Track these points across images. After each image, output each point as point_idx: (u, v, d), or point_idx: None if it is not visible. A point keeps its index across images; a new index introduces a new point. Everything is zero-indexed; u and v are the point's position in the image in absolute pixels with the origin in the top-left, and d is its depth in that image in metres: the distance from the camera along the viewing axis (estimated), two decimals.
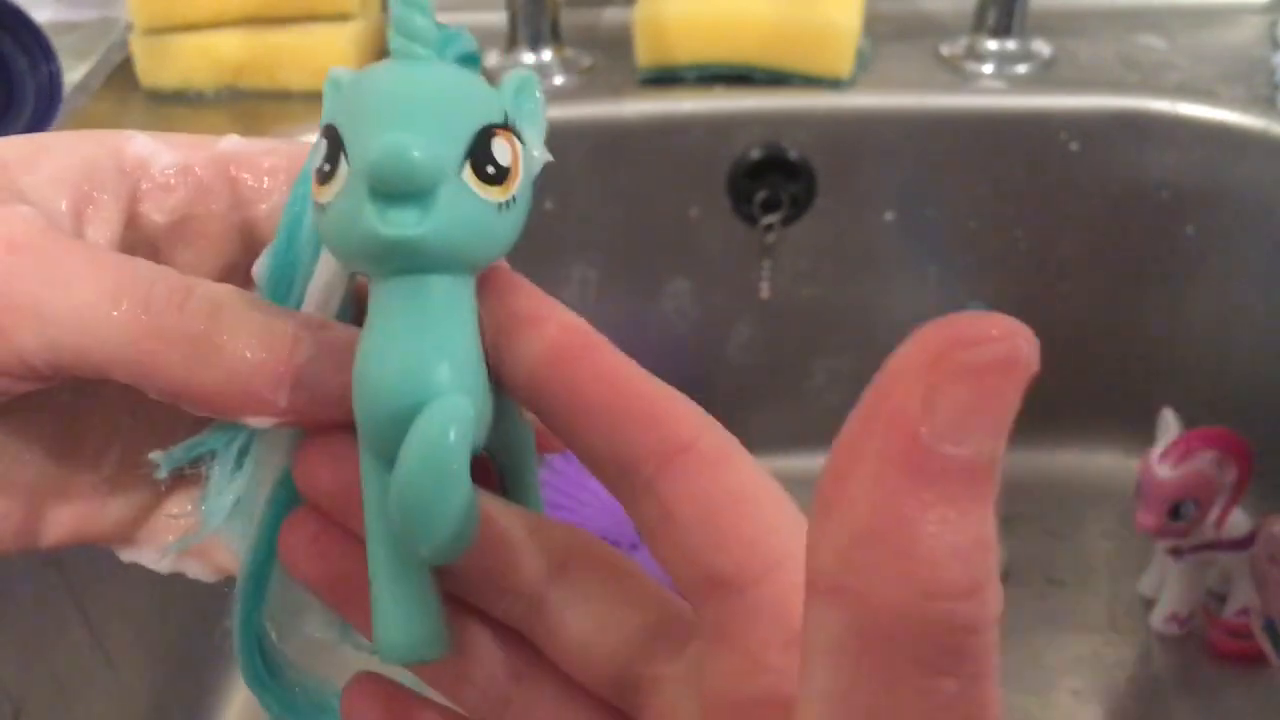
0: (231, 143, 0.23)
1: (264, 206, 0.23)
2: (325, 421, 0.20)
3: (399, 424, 0.18)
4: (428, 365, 0.19)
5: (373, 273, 0.19)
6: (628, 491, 0.19)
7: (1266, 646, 0.58)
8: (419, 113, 0.18)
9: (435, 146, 0.18)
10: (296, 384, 0.20)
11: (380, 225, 0.18)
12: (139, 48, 0.66)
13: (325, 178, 0.18)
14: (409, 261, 0.18)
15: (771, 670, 0.17)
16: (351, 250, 0.19)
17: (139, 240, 0.22)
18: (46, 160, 0.21)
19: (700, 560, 0.18)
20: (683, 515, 0.18)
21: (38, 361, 0.19)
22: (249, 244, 0.23)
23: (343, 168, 0.18)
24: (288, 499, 0.22)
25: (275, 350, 0.20)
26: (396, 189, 0.18)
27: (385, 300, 0.19)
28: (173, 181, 0.23)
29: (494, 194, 0.19)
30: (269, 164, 0.23)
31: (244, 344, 0.20)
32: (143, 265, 0.20)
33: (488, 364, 0.20)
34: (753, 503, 0.18)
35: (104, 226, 0.22)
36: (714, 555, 0.18)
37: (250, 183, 0.23)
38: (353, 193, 0.18)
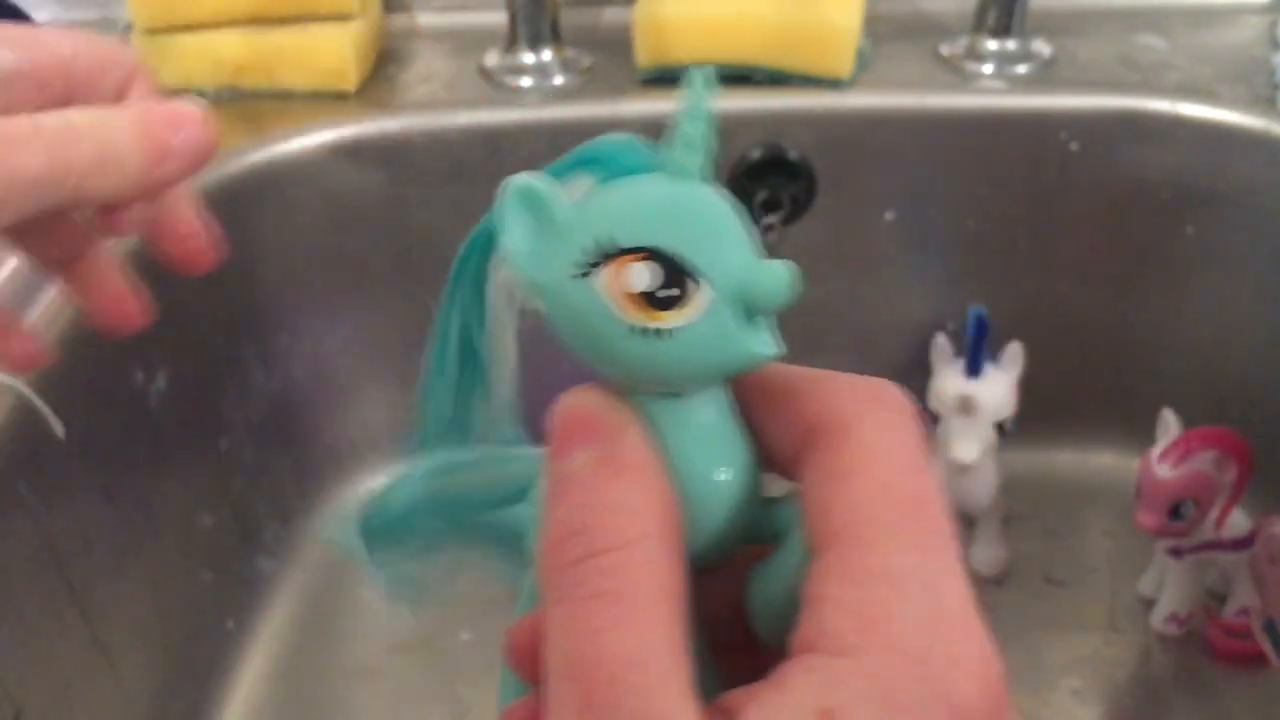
0: (69, 43, 0.31)
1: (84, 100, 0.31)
2: (195, 170, 0.30)
3: (728, 541, 0.20)
4: (756, 477, 0.21)
5: (698, 387, 0.20)
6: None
7: (1266, 646, 0.58)
8: (753, 240, 0.19)
9: None
10: (170, 156, 0.30)
11: (759, 346, 0.19)
12: (139, 48, 0.66)
13: (662, 303, 0.19)
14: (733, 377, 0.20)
15: None
16: (713, 371, 0.19)
17: None
18: None
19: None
20: None
21: None
22: None
23: (701, 292, 0.19)
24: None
25: (150, 143, 0.30)
26: (779, 308, 0.19)
27: (707, 412, 0.20)
28: (28, 88, 0.30)
29: None
30: (92, 70, 0.31)
31: (128, 150, 0.29)
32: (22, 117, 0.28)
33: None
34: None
35: None
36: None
37: (79, 83, 0.31)
38: (718, 316, 0.19)
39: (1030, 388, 0.64)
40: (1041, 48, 0.69)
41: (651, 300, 0.19)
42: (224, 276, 0.63)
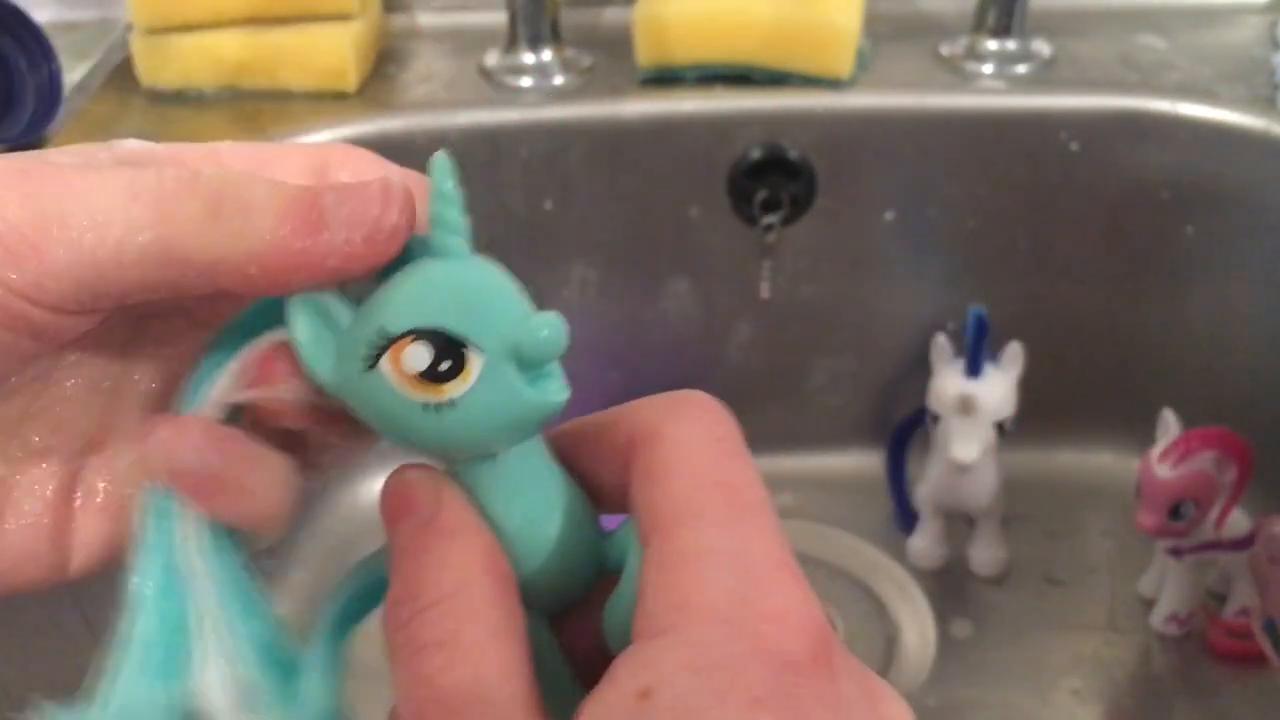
0: (220, 143, 0.23)
1: None
2: (371, 258, 0.21)
3: (573, 582, 0.22)
4: (595, 528, 0.22)
5: (504, 445, 0.21)
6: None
7: (1266, 646, 0.58)
8: (521, 297, 0.21)
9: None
10: (326, 225, 0.20)
11: (541, 395, 0.20)
12: (139, 48, 0.66)
13: (443, 376, 0.20)
14: (539, 428, 0.21)
15: None
16: (505, 429, 0.20)
17: None
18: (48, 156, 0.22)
19: None
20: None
21: (70, 281, 0.20)
22: None
23: (473, 359, 0.20)
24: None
25: (293, 198, 0.20)
26: (554, 359, 0.20)
27: (521, 467, 0.21)
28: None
29: None
30: (255, 158, 0.23)
31: (260, 199, 0.20)
32: (144, 167, 0.21)
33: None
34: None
35: None
36: None
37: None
38: (496, 376, 0.20)
39: (1030, 388, 0.64)
40: (1041, 48, 0.68)
41: (432, 376, 0.20)
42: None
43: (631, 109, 0.65)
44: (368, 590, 0.23)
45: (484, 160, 0.64)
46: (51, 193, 0.20)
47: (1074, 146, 0.65)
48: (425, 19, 0.75)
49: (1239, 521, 0.59)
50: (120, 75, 0.69)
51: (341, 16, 0.66)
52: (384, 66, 0.70)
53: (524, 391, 0.20)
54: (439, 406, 0.20)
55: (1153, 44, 0.71)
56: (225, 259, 0.20)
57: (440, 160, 0.21)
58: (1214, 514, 0.58)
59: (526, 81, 0.67)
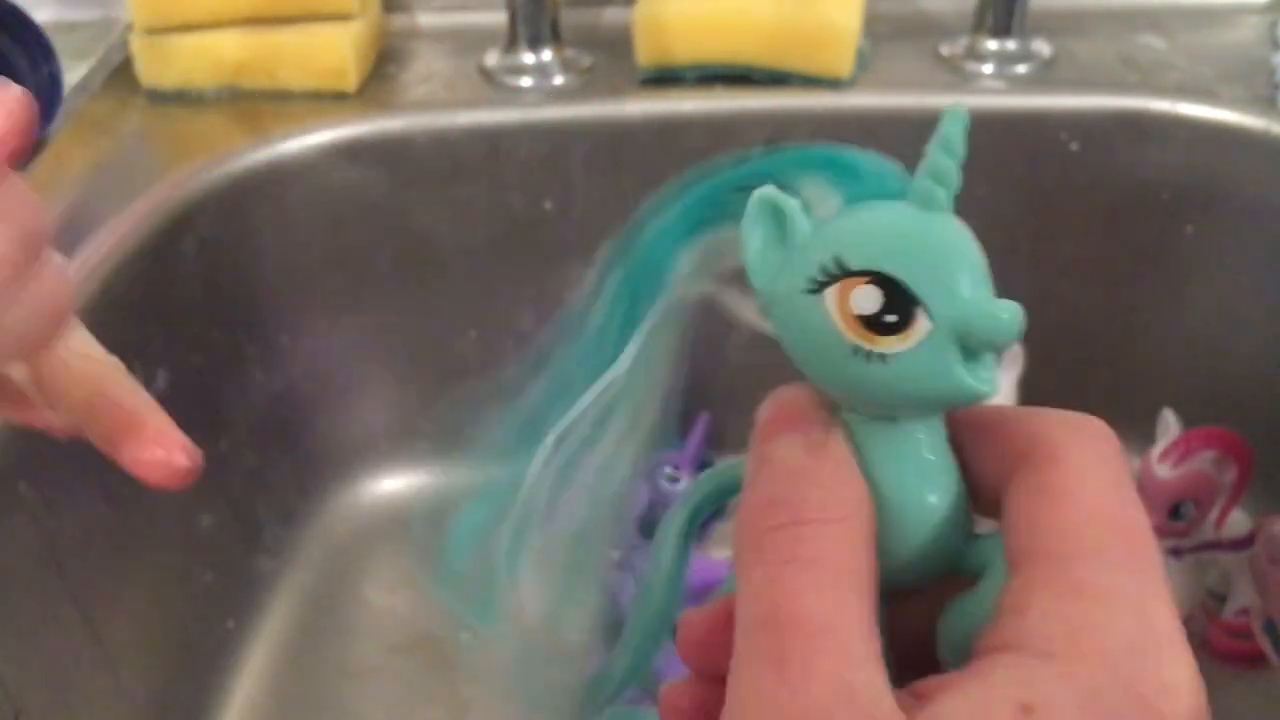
0: None
1: None
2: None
3: (923, 571, 0.21)
4: (965, 520, 0.21)
5: (911, 414, 0.20)
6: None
7: (1266, 646, 0.58)
8: (987, 276, 0.20)
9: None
10: None
11: (974, 381, 0.19)
12: (139, 48, 0.66)
13: (885, 328, 0.19)
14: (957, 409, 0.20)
15: None
16: (926, 400, 0.20)
17: None
18: None
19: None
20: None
21: None
22: None
23: (921, 322, 0.19)
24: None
25: None
26: (999, 348, 0.19)
27: (919, 438, 0.20)
28: None
29: None
30: None
31: None
32: None
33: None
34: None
35: None
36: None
37: None
38: (937, 347, 0.19)
39: (1030, 388, 0.63)
40: (1041, 48, 0.68)
41: (873, 324, 0.19)
42: (224, 276, 0.64)
43: (631, 109, 0.65)
44: (711, 494, 0.23)
45: (484, 160, 0.64)
46: None
47: (1074, 146, 0.65)
48: (425, 19, 0.75)
49: (1239, 521, 0.59)
50: (120, 75, 0.69)
51: (341, 16, 0.66)
52: (384, 66, 0.70)
53: (958, 371, 0.19)
54: (870, 355, 0.19)
55: (1153, 44, 0.71)
56: None
57: (958, 112, 0.20)
58: (1214, 514, 0.58)
59: (526, 81, 0.67)
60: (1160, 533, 0.58)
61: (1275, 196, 0.63)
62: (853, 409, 0.21)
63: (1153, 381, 0.69)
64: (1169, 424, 0.58)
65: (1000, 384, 0.20)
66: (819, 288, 0.19)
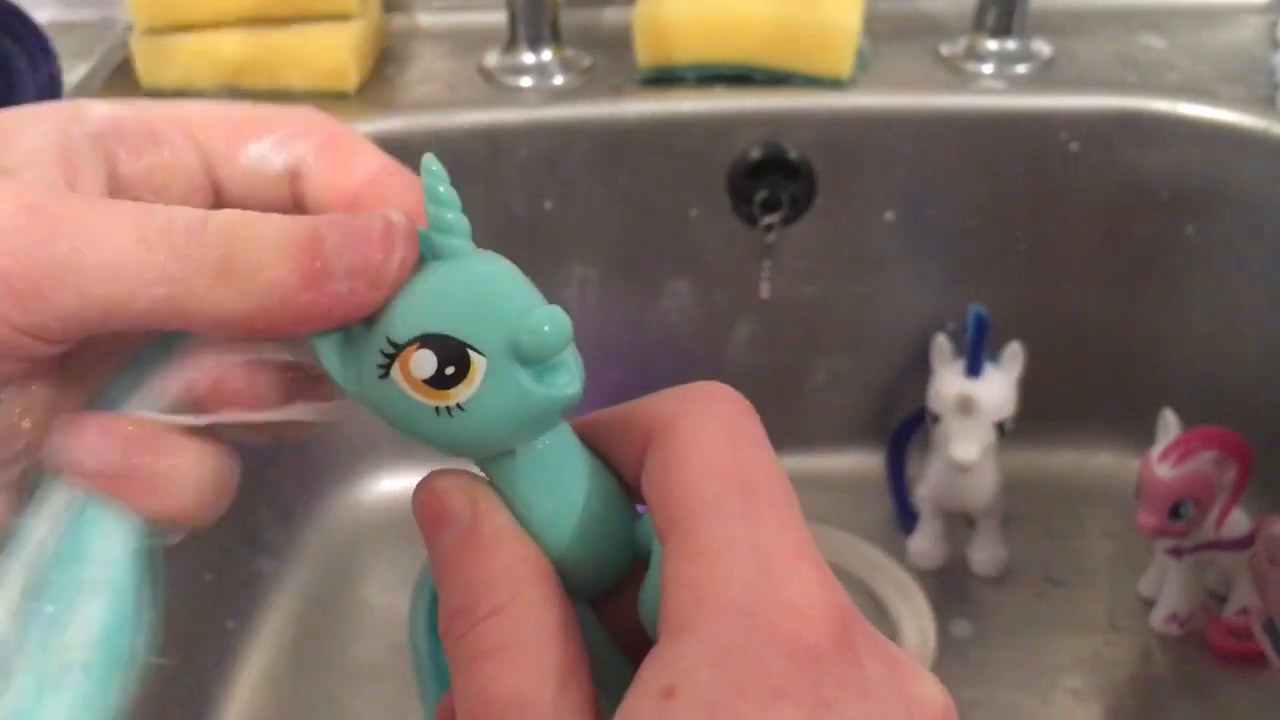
0: (189, 106, 0.24)
1: (227, 169, 0.24)
2: (375, 302, 0.21)
3: (609, 568, 0.22)
4: (627, 512, 0.22)
5: (522, 440, 0.21)
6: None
7: (1266, 646, 0.58)
8: (526, 292, 0.21)
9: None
10: (330, 276, 0.20)
11: (550, 390, 0.20)
12: (139, 48, 0.66)
13: (449, 381, 0.20)
14: (556, 419, 0.21)
15: None
16: (516, 425, 0.21)
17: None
18: (21, 137, 0.22)
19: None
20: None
21: (75, 322, 0.20)
22: (217, 201, 0.24)
23: (476, 361, 0.20)
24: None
25: (299, 249, 0.20)
26: (555, 354, 0.20)
27: (552, 454, 0.21)
28: (140, 143, 0.23)
29: None
30: (226, 126, 0.24)
31: (267, 255, 0.20)
32: (158, 208, 0.20)
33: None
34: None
35: (94, 190, 0.22)
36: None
37: (211, 144, 0.24)
38: (500, 377, 0.20)
39: (1030, 388, 0.64)
40: (1041, 48, 0.68)
41: (439, 382, 0.20)
42: None
43: (631, 109, 0.65)
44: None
45: (484, 160, 0.64)
46: (64, 236, 0.20)
47: (1074, 146, 0.65)
48: (425, 19, 0.75)
49: (1239, 521, 0.59)
50: (120, 75, 0.69)
51: (341, 16, 0.66)
52: (384, 66, 0.70)
53: (531, 388, 0.20)
54: (450, 410, 0.20)
55: (1153, 44, 0.71)
56: (232, 317, 0.20)
57: (430, 164, 0.21)
58: (1214, 514, 0.58)
59: (526, 81, 0.67)
60: (1160, 533, 0.58)
61: (1275, 196, 0.63)
62: (479, 458, 0.22)
63: (1153, 381, 0.69)
64: (1169, 424, 0.58)
65: (577, 383, 0.21)
66: (386, 371, 0.20)
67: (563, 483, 0.22)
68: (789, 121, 0.65)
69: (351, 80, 0.66)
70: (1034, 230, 0.67)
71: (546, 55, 0.68)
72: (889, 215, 0.67)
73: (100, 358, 0.23)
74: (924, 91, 0.66)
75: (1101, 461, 0.72)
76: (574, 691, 0.19)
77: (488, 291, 0.21)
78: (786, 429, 0.72)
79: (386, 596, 0.66)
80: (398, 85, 0.68)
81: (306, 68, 0.66)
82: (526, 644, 0.20)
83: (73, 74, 0.68)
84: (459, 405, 0.20)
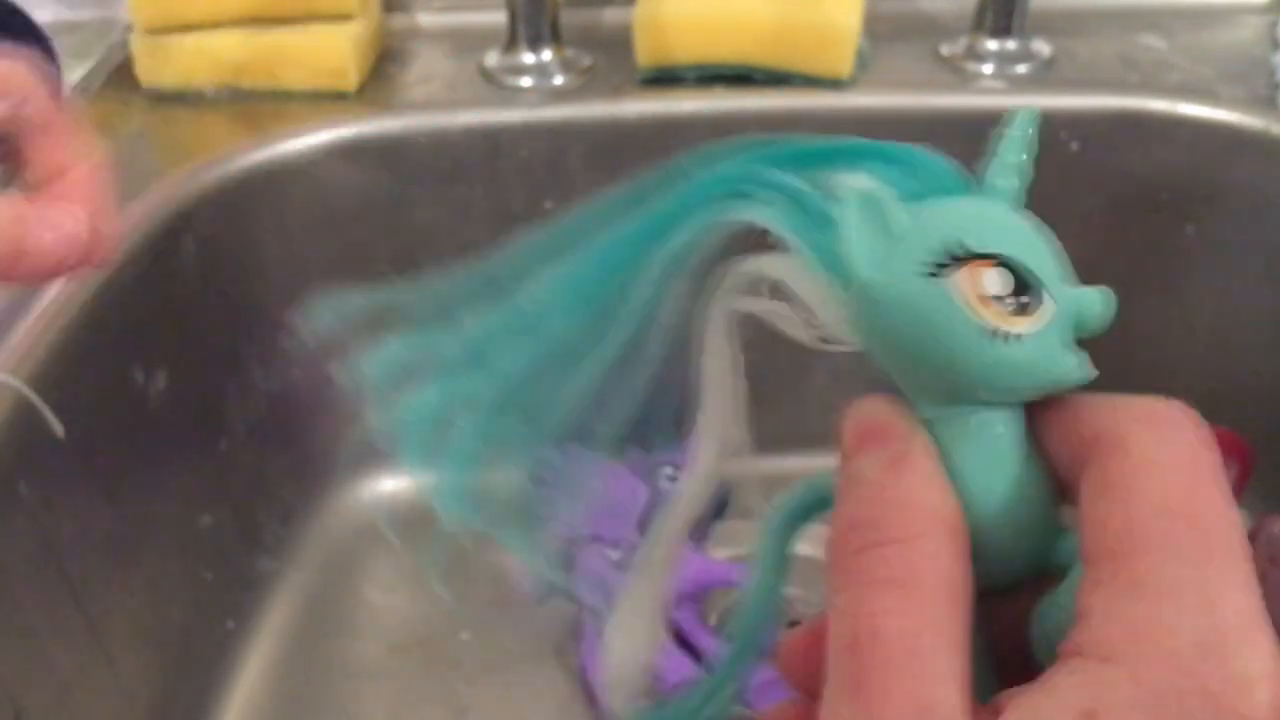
0: None
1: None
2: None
3: (1016, 569, 0.21)
4: (1055, 521, 0.21)
5: (1021, 398, 0.20)
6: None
7: None
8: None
9: None
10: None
11: (1083, 365, 0.20)
12: (139, 48, 0.66)
13: (1020, 309, 0.19)
14: (1052, 392, 0.21)
15: None
16: (1040, 380, 0.20)
17: None
18: None
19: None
20: None
21: None
22: None
23: (1048, 303, 0.20)
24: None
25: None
26: (1100, 332, 0.20)
27: (1003, 433, 0.21)
28: None
29: None
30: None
31: None
32: None
33: None
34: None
35: None
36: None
37: None
38: (1060, 329, 0.20)
39: None
40: (1041, 48, 0.68)
41: (1004, 304, 0.19)
42: (224, 276, 0.64)
43: (631, 109, 0.65)
44: (808, 505, 0.23)
45: (484, 160, 0.64)
46: None
47: (1074, 146, 0.65)
48: (425, 19, 0.75)
49: None
50: (120, 75, 0.69)
51: (341, 16, 0.66)
52: (384, 66, 0.70)
53: (1073, 353, 0.20)
54: (1004, 336, 0.19)
55: (1153, 44, 0.71)
56: None
57: (1028, 113, 0.21)
58: None
59: (526, 81, 0.67)
60: None
61: (1275, 196, 0.63)
62: (956, 401, 0.20)
63: (1153, 381, 0.69)
64: None
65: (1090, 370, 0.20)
66: (939, 272, 0.19)
67: (1005, 463, 0.20)
68: (789, 121, 0.65)
69: (351, 80, 0.66)
70: None
71: (546, 55, 0.68)
72: None
73: None
74: (924, 91, 0.66)
75: None
76: (961, 659, 0.18)
77: (1054, 250, 0.20)
78: (786, 429, 0.72)
79: (386, 596, 0.66)
80: (398, 85, 0.68)
81: (307, 68, 0.66)
82: (931, 590, 0.18)
83: (73, 74, 0.68)
84: (1017, 335, 0.19)
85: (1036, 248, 0.20)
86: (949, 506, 0.20)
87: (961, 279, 0.19)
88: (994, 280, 0.19)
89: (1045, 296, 0.19)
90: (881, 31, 0.71)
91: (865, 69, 0.67)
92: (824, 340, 0.22)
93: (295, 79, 0.66)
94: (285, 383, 0.67)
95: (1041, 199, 0.74)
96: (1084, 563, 0.19)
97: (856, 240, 0.20)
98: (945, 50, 0.69)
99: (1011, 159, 0.21)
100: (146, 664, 0.55)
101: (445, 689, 0.61)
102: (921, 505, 0.19)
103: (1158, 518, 0.18)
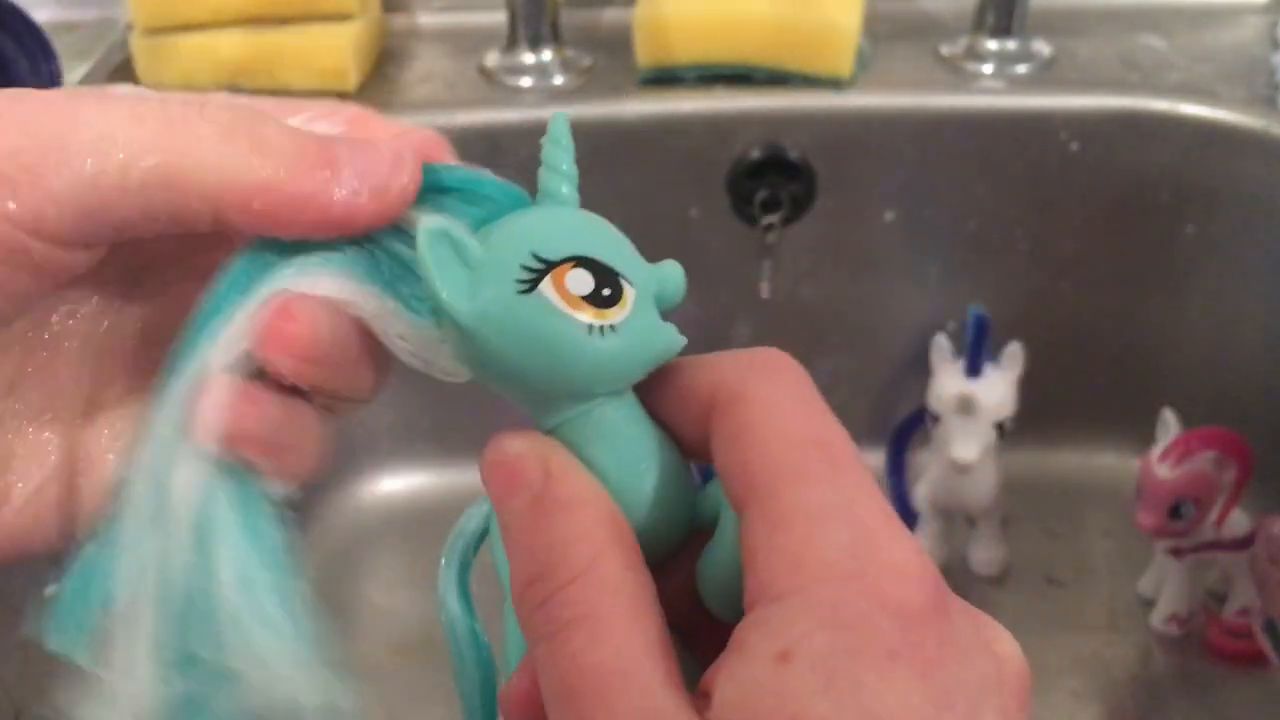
0: (215, 96, 0.23)
1: None
2: (374, 214, 0.21)
3: (674, 536, 0.22)
4: (690, 481, 0.22)
5: (629, 382, 0.22)
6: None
7: (1266, 646, 0.58)
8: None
9: None
10: (338, 168, 0.20)
11: (674, 340, 0.21)
12: (139, 48, 0.66)
13: (605, 302, 0.20)
14: (650, 369, 0.22)
15: None
16: (645, 360, 0.21)
17: None
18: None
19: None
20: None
21: (72, 209, 0.19)
22: None
23: (628, 290, 0.21)
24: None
25: (309, 138, 0.20)
26: (678, 303, 0.22)
27: (625, 416, 0.22)
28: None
29: None
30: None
31: (275, 135, 0.20)
32: (148, 93, 0.20)
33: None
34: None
35: None
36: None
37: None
38: (645, 309, 0.21)
39: (1030, 388, 0.63)
40: (1041, 48, 0.68)
41: (595, 300, 0.20)
42: None
43: (631, 109, 0.65)
44: (478, 537, 0.24)
45: (484, 160, 0.64)
46: (49, 118, 0.19)
47: (1074, 146, 0.65)
48: (425, 19, 0.75)
49: (1239, 521, 0.59)
50: (120, 75, 0.69)
51: (341, 16, 0.66)
52: (384, 66, 0.70)
53: (665, 327, 0.21)
54: (602, 329, 0.20)
55: (1153, 44, 0.71)
56: (233, 187, 0.20)
57: (560, 116, 0.23)
58: (1214, 514, 0.58)
59: (526, 81, 0.67)
60: (1160, 533, 0.58)
61: (1275, 196, 0.63)
62: (575, 401, 0.21)
63: (1153, 381, 0.69)
64: (1169, 424, 0.58)
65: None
66: (531, 286, 0.20)
67: (636, 444, 0.22)
68: (789, 121, 0.65)
69: (351, 80, 0.66)
70: (1034, 230, 0.67)
71: (546, 55, 0.68)
72: (889, 215, 0.67)
73: (147, 295, 0.23)
74: (924, 91, 0.66)
75: (1101, 461, 0.72)
76: (664, 659, 0.19)
77: (622, 238, 0.22)
78: None
79: (386, 596, 0.66)
80: (398, 85, 0.68)
81: (307, 68, 0.66)
82: (616, 611, 0.19)
83: (73, 74, 0.68)
84: (611, 326, 0.20)
85: (605, 241, 0.21)
86: (607, 518, 0.20)
87: (548, 288, 0.20)
88: (576, 280, 0.20)
89: (624, 283, 0.21)
90: (881, 31, 0.71)
91: (865, 69, 0.67)
92: (444, 372, 0.22)
93: (295, 79, 0.66)
94: None
95: (1042, 199, 0.74)
96: (734, 508, 0.20)
97: (439, 278, 0.21)
98: (945, 50, 0.69)
99: (562, 166, 0.22)
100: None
101: (445, 689, 0.61)
102: (578, 536, 0.20)
103: (788, 450, 0.20)
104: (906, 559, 0.19)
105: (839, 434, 0.20)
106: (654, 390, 0.22)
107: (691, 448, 0.22)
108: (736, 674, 0.18)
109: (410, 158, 0.21)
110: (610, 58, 0.69)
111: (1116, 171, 0.65)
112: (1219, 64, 0.68)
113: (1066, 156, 0.65)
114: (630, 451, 0.21)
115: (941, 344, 0.65)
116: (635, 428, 0.22)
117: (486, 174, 0.23)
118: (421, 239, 0.21)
